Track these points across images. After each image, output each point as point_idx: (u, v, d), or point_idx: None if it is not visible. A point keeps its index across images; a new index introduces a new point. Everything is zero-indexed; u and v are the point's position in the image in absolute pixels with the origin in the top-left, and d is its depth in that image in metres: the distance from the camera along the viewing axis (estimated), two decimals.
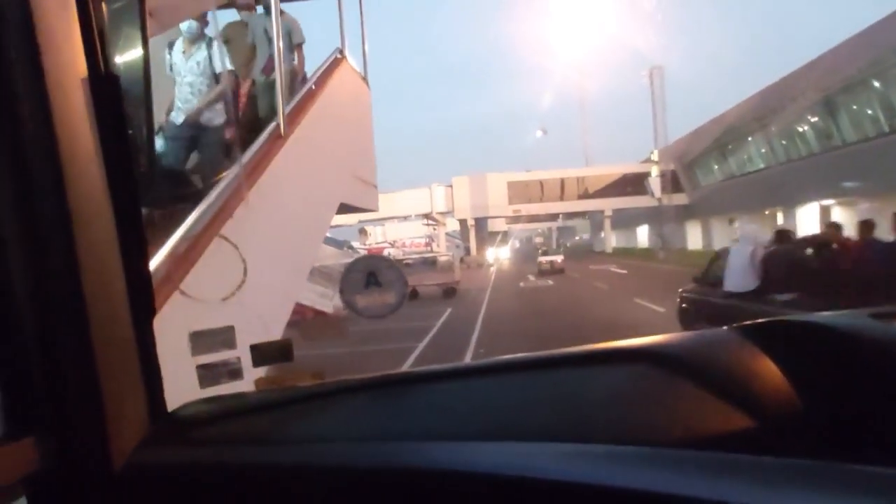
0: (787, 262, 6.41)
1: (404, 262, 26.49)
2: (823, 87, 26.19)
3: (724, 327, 0.92)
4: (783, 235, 7.40)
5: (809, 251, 6.87)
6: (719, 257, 8.07)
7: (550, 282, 23.66)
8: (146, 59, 1.04)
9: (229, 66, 4.46)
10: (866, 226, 7.10)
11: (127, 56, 1.02)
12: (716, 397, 0.73)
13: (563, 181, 46.78)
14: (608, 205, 46.39)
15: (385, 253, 37.40)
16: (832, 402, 0.69)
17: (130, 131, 1.01)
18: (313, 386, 1.19)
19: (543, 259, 29.86)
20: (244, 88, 4.88)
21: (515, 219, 51.80)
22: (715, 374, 0.78)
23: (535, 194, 46.55)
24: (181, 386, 1.41)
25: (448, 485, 0.69)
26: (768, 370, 0.76)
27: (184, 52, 4.22)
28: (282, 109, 4.04)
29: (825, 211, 29.88)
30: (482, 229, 49.28)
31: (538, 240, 64.12)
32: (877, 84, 24.24)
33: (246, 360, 1.62)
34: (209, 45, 4.25)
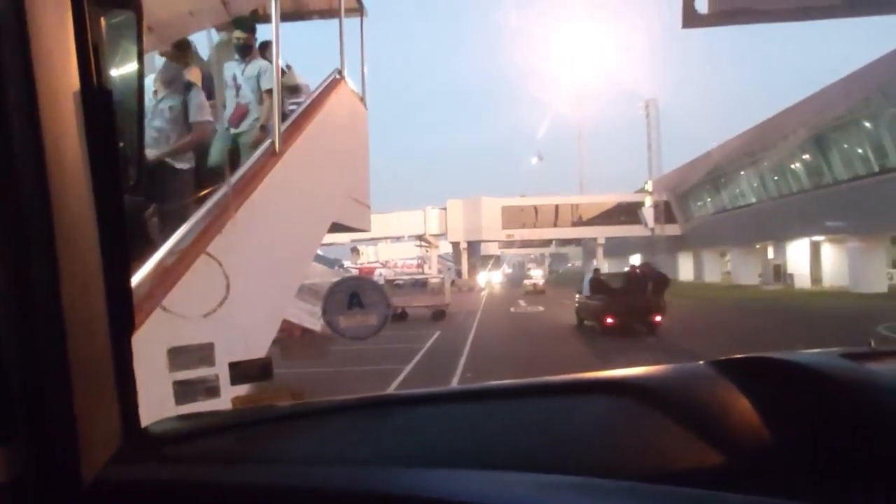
0: (599, 282, 15.65)
1: (395, 282, 26.46)
2: (815, 126, 26.67)
3: (702, 362, 0.93)
4: (597, 272, 18.21)
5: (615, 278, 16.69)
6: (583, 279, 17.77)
7: (541, 307, 23.64)
8: (140, 74, 1.05)
9: (207, 117, 4.02)
10: (645, 265, 18.12)
11: (122, 70, 1.03)
12: (691, 432, 0.74)
13: (557, 207, 47.04)
14: (601, 233, 46.62)
15: (377, 273, 37.48)
16: (803, 439, 0.70)
17: (121, 144, 1.01)
18: (292, 406, 1.18)
19: (528, 282, 36.89)
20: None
21: (508, 244, 51.93)
22: (691, 409, 0.79)
23: (529, 220, 46.73)
24: (157, 402, 1.39)
25: None
26: (742, 406, 0.77)
27: (155, 93, 3.88)
28: (277, 126, 4.06)
29: (815, 247, 30.20)
30: (475, 253, 49.35)
31: (531, 265, 64.28)
32: (867, 124, 24.70)
33: (225, 377, 1.60)
34: (186, 90, 3.91)
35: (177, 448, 0.89)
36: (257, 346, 2.57)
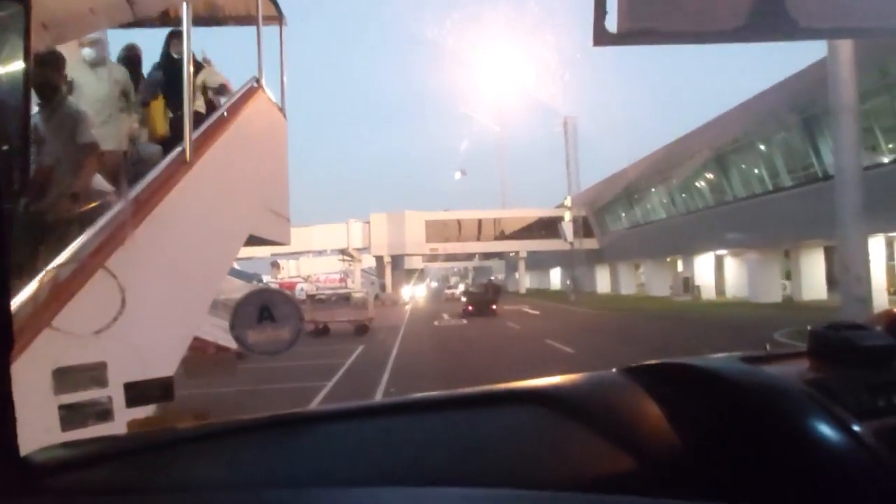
0: (467, 291, 30.31)
1: (317, 297, 25.96)
2: (717, 147, 28.60)
3: (614, 369, 0.95)
4: (467, 286, 36.85)
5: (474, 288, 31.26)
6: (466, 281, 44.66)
7: (465, 321, 23.84)
8: (27, 72, 0.98)
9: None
10: (490, 282, 37.80)
11: (6, 68, 0.97)
12: (603, 439, 0.75)
13: (480, 222, 47.87)
14: (523, 247, 47.84)
15: (298, 288, 36.64)
16: (707, 440, 0.71)
17: (4, 147, 0.93)
18: (194, 427, 1.11)
19: (447, 292, 46.41)
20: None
21: (433, 257, 52.29)
22: (603, 416, 0.81)
23: (453, 234, 47.26)
24: (40, 428, 1.26)
25: None
26: (651, 411, 0.79)
27: None
28: (188, 134, 3.88)
29: (719, 260, 32.26)
30: (398, 267, 49.28)
31: (454, 279, 64.99)
32: (762, 146, 26.75)
33: (120, 399, 1.48)
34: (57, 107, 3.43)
35: (61, 478, 0.81)
36: (161, 366, 2.40)
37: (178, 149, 3.87)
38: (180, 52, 4.81)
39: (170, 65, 5.09)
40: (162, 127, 4.87)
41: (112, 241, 2.69)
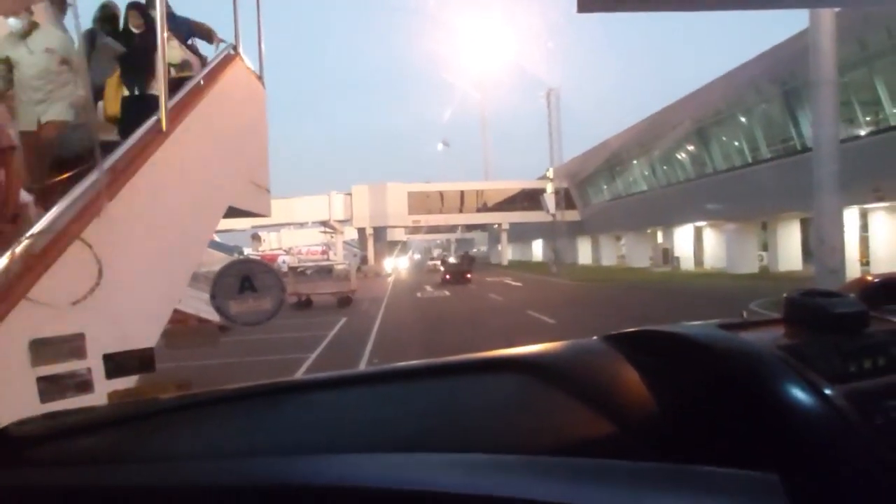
0: (445, 261, 37.59)
1: (299, 269, 25.86)
2: (698, 119, 28.67)
3: (595, 337, 0.96)
4: (444, 257, 46.09)
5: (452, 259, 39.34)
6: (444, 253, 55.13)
7: (447, 293, 23.95)
8: None
9: None
10: (465, 254, 47.38)
11: None
12: (585, 404, 0.77)
13: (462, 194, 47.72)
14: (505, 218, 47.88)
15: (279, 260, 36.41)
16: (683, 405, 0.73)
17: None
18: (176, 398, 1.11)
19: (430, 263, 49.53)
20: None
21: (415, 229, 52.17)
22: (584, 383, 0.82)
23: (435, 206, 47.11)
24: (19, 400, 1.25)
25: (322, 500, 0.67)
26: (631, 377, 0.80)
27: None
28: (164, 103, 3.78)
29: (698, 231, 32.66)
30: (381, 239, 49.13)
31: (437, 251, 65.02)
32: (742, 119, 26.88)
33: (99, 370, 1.46)
34: None
35: (42, 450, 0.81)
36: (141, 337, 2.38)
37: (154, 118, 3.77)
38: (139, 26, 4.57)
39: (127, 40, 4.70)
40: (113, 107, 4.51)
41: (87, 211, 2.63)
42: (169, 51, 4.83)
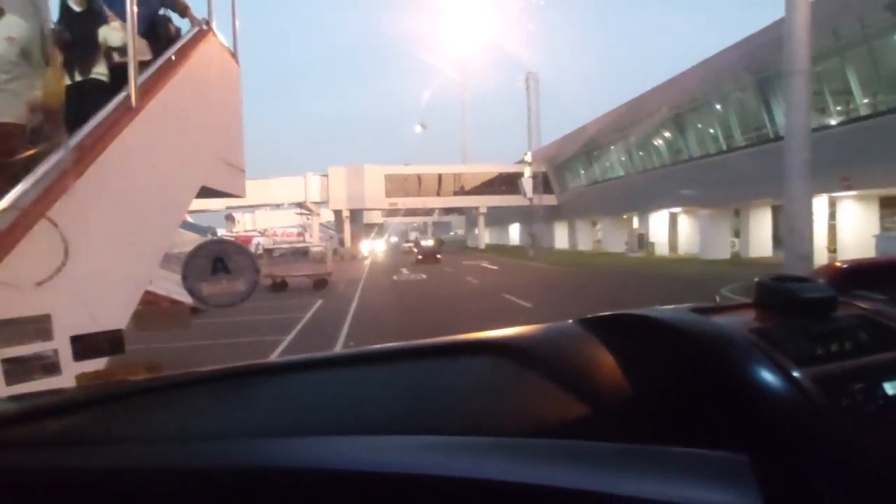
0: (418, 243, 39.91)
1: (274, 251, 25.60)
2: (675, 106, 28.93)
3: (570, 320, 0.96)
4: (417, 239, 46.49)
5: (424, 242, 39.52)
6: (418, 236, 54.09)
7: (424, 276, 23.97)
8: None
9: None
10: (437, 238, 43.26)
11: None
12: (559, 387, 0.77)
13: (440, 177, 47.59)
14: (483, 202, 47.94)
15: (254, 242, 35.98)
16: (656, 387, 0.74)
17: None
18: (146, 380, 1.09)
19: (405, 245, 51.76)
20: None
21: (392, 212, 51.95)
22: (559, 366, 0.82)
23: (413, 188, 46.92)
24: None
25: (293, 483, 0.66)
26: (606, 360, 0.81)
27: None
28: (133, 78, 3.67)
29: (673, 217, 33.12)
30: (357, 221, 48.83)
31: (414, 234, 64.95)
32: (718, 106, 27.20)
33: (67, 352, 1.43)
34: None
35: (8, 432, 0.80)
36: (111, 318, 2.33)
37: (123, 93, 3.67)
38: (81, 4, 4.30)
39: (69, 20, 4.29)
40: (55, 97, 3.82)
41: (53, 189, 2.55)
42: (109, 32, 4.45)
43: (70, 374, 1.39)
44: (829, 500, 0.58)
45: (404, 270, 26.91)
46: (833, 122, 20.78)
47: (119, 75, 4.06)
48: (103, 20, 4.48)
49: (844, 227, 21.67)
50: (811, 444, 0.62)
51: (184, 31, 5.36)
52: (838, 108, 20.96)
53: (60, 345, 1.42)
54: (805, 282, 0.88)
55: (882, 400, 0.69)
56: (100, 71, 4.30)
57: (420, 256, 34.30)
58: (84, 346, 1.43)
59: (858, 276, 1.07)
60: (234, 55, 6.16)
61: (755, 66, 22.91)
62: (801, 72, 9.31)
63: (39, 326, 1.43)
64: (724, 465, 0.60)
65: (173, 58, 4.56)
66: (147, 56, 4.45)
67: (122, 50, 4.40)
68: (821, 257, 16.12)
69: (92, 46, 4.18)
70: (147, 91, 3.87)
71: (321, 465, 0.66)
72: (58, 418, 0.85)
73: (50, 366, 1.41)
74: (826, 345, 0.77)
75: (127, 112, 3.55)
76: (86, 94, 4.03)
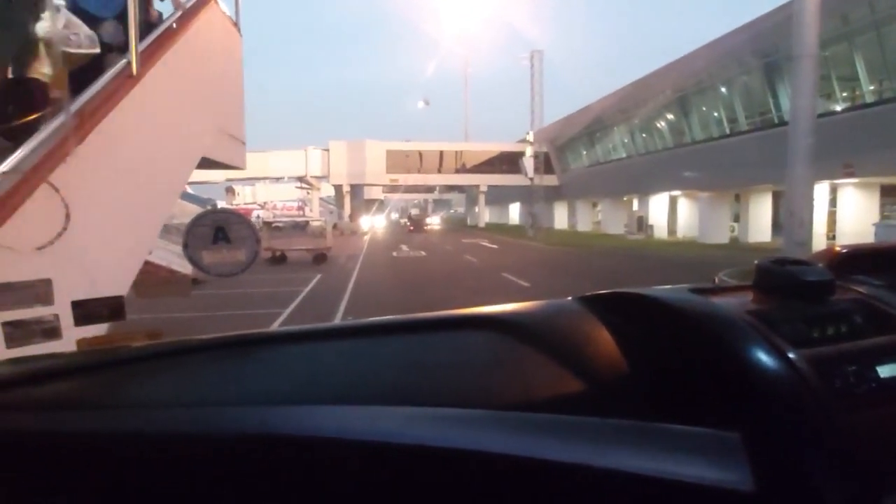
0: (409, 216, 53.11)
1: (274, 224, 25.56)
2: (680, 88, 28.64)
3: (569, 298, 0.96)
4: (409, 214, 57.57)
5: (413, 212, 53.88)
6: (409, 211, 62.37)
7: (423, 253, 23.98)
8: None
9: None
10: (423, 210, 64.01)
11: None
12: (556, 363, 0.77)
13: (442, 154, 47.31)
14: (484, 181, 47.73)
15: (254, 215, 35.89)
16: (653, 365, 0.74)
17: None
18: (147, 346, 1.09)
19: (402, 221, 56.28)
20: None
21: (393, 188, 51.76)
22: (556, 342, 0.82)
23: (414, 165, 46.67)
24: None
25: (290, 451, 0.67)
26: (603, 338, 0.81)
27: None
28: (134, 46, 3.62)
29: (673, 200, 33.05)
30: (358, 196, 48.67)
31: (414, 211, 64.90)
32: (723, 89, 26.94)
33: (67, 317, 1.44)
34: None
35: (8, 394, 0.81)
36: (111, 285, 2.34)
37: (124, 61, 3.62)
38: None
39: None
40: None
41: (54, 154, 2.53)
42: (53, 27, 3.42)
43: (70, 338, 1.40)
44: (818, 479, 0.59)
45: (404, 247, 26.91)
46: (838, 108, 20.62)
47: (75, 74, 3.27)
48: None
49: (844, 214, 21.65)
50: (803, 424, 0.63)
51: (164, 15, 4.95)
52: (844, 94, 20.78)
53: (61, 310, 1.43)
54: (804, 265, 0.88)
55: (875, 382, 0.70)
56: (45, 71, 3.34)
57: (411, 227, 42.49)
58: (85, 311, 1.44)
59: (857, 261, 1.07)
60: (236, 25, 6.08)
61: (762, 49, 22.64)
62: (808, 56, 9.20)
63: (39, 290, 1.43)
64: (716, 443, 0.61)
65: (174, 26, 4.50)
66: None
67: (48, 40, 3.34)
68: (819, 244, 16.12)
69: (29, 33, 3.29)
70: (148, 59, 3.83)
71: (318, 434, 0.67)
72: (57, 382, 0.86)
73: (50, 330, 1.42)
74: (822, 327, 0.78)
75: (127, 80, 3.51)
76: (27, 92, 3.19)
